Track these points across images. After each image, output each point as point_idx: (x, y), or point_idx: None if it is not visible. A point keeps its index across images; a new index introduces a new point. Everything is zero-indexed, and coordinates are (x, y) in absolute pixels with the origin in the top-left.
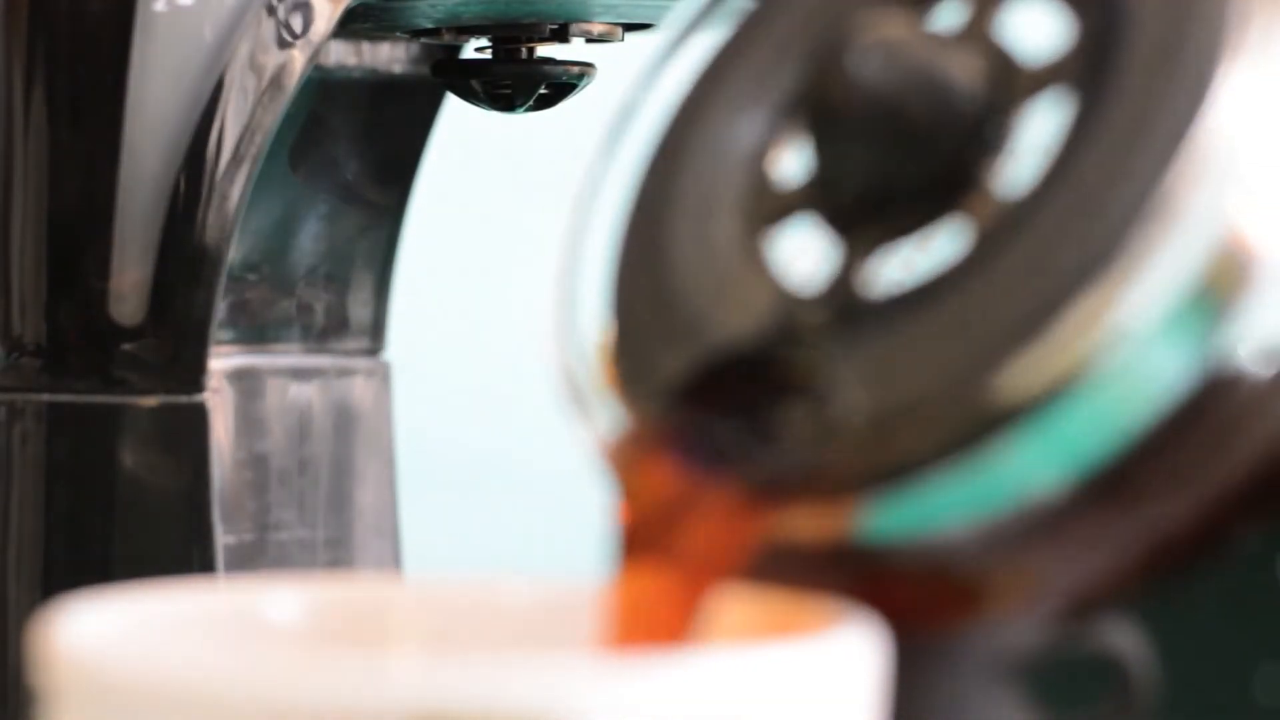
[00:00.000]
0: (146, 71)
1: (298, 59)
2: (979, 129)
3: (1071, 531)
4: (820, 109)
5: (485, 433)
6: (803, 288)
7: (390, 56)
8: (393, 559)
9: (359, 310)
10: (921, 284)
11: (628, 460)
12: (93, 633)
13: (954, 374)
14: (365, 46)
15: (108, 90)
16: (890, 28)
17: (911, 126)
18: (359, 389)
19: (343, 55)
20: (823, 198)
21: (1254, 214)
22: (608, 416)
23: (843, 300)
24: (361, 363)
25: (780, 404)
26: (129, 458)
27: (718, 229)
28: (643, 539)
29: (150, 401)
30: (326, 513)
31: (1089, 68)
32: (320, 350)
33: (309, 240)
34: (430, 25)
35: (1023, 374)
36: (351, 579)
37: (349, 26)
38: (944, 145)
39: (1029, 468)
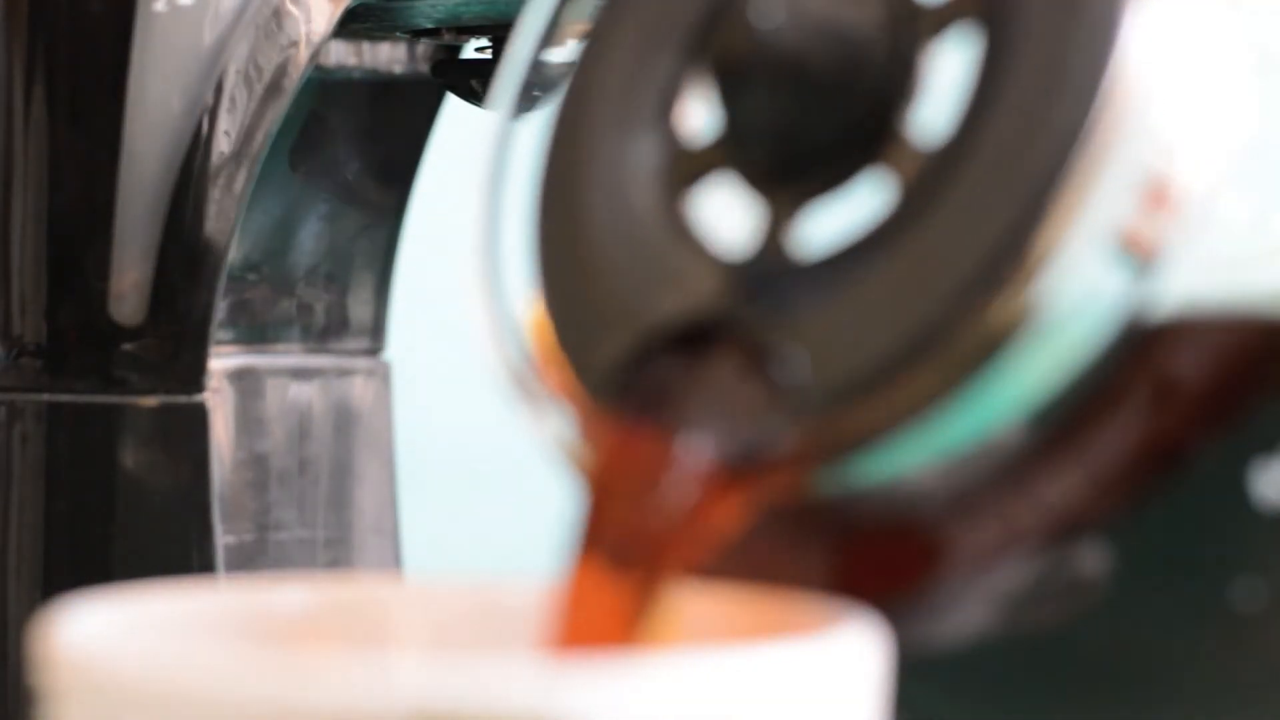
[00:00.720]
0: (146, 71)
1: (298, 59)
2: (887, 75)
3: (1034, 468)
4: (725, 66)
5: (485, 433)
6: (732, 253)
7: (390, 56)
8: (393, 559)
9: (359, 310)
10: (854, 242)
11: (589, 450)
12: (93, 633)
13: (905, 334)
14: (365, 46)
15: (108, 90)
16: None
17: (819, 78)
18: (359, 389)
19: (343, 55)
20: (738, 155)
21: (1174, 147)
22: (557, 410)
23: (776, 264)
24: (361, 363)
25: (731, 376)
26: (129, 458)
27: (635, 196)
28: (612, 524)
29: (150, 401)
30: (326, 513)
31: (991, 2)
32: (320, 350)
33: (309, 240)
34: (430, 25)
35: (972, 329)
36: (351, 579)
37: (349, 26)
38: (855, 95)
39: (987, 414)
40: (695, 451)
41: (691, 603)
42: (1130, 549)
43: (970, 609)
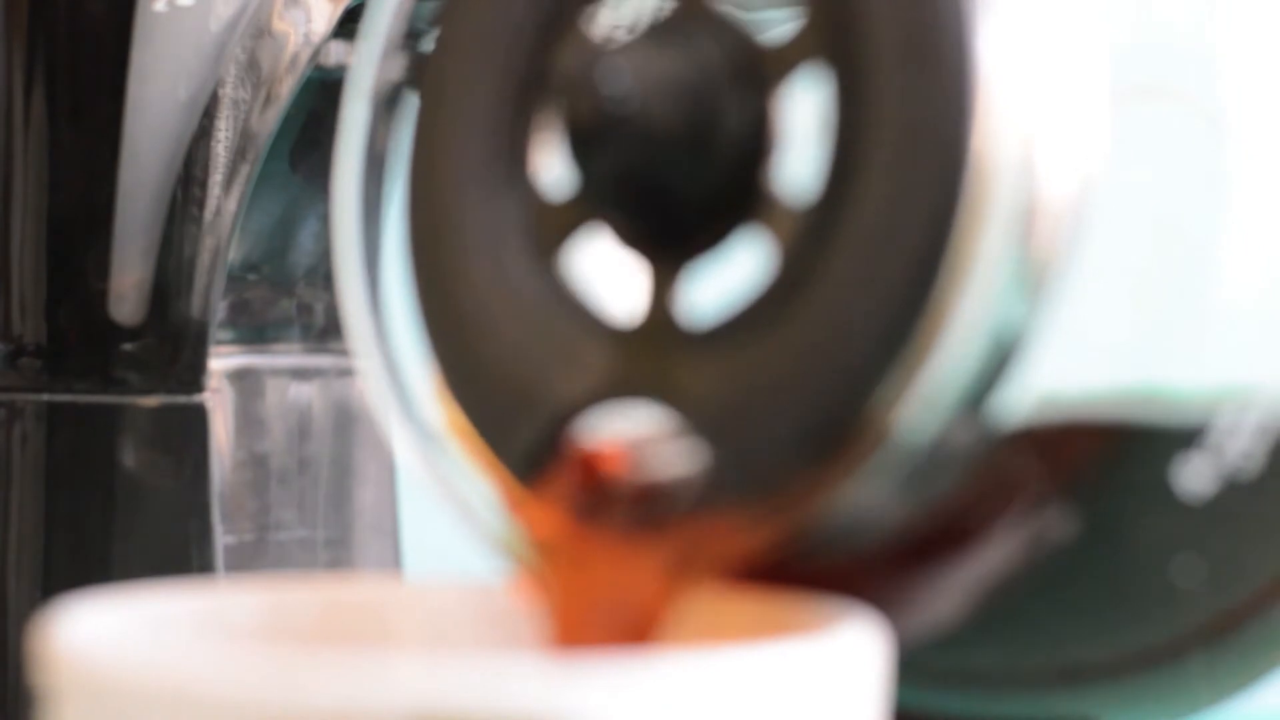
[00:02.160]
0: (146, 71)
1: (298, 59)
2: (743, 127)
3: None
4: (575, 132)
5: None
6: (618, 320)
7: None
8: (393, 559)
9: None
10: (742, 310)
11: (518, 529)
12: (93, 633)
13: (804, 424)
14: None
15: (108, 90)
16: (609, 35)
17: (672, 137)
18: (359, 389)
19: (343, 55)
20: (606, 215)
21: (1044, 168)
22: (483, 496)
23: (665, 335)
24: None
25: (645, 454)
26: (129, 458)
27: (509, 261)
28: (570, 609)
29: (150, 401)
30: (326, 513)
31: (834, 39)
32: (320, 350)
33: (309, 240)
34: (430, 25)
35: (880, 394)
36: (351, 579)
37: (349, 26)
38: (713, 151)
39: (908, 465)
40: (630, 534)
41: (692, 603)
42: (1079, 535)
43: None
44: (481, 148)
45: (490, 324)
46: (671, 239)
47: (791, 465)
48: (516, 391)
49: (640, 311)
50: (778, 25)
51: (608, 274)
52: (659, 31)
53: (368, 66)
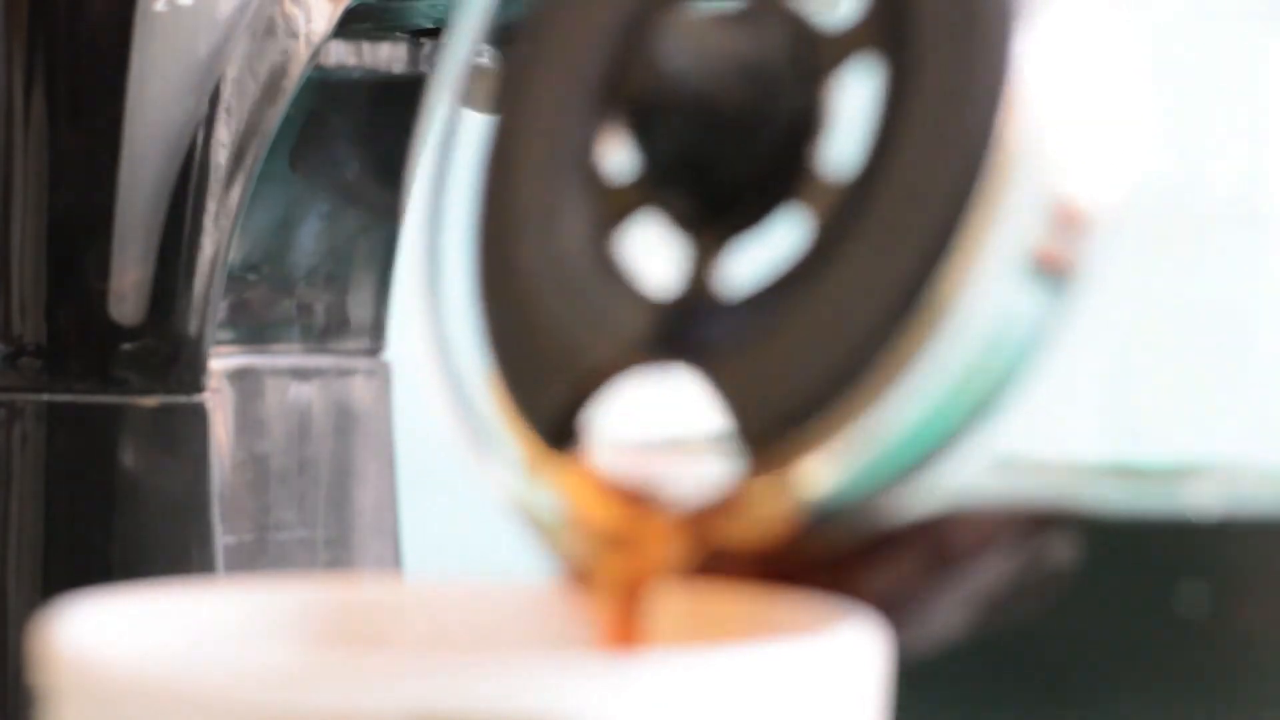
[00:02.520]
0: (146, 71)
1: (298, 59)
2: (794, 109)
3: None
4: (636, 106)
5: None
6: (659, 292)
7: (390, 56)
8: (393, 559)
9: (359, 310)
10: (774, 281)
11: (547, 495)
12: (93, 633)
13: (823, 373)
14: (365, 46)
15: (108, 90)
16: (688, 13)
17: (727, 114)
18: (359, 389)
19: (343, 55)
20: (659, 195)
21: (1079, 166)
22: (515, 460)
23: (701, 303)
24: (361, 363)
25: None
26: (129, 458)
27: (566, 240)
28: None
29: (150, 401)
30: (326, 513)
31: (889, 31)
32: (320, 350)
33: (309, 240)
34: (430, 25)
35: (888, 362)
36: (351, 579)
37: (349, 26)
38: (764, 130)
39: (920, 435)
40: (660, 501)
41: (691, 602)
42: (1084, 552)
43: (939, 614)
44: (553, 137)
45: (539, 292)
46: (717, 215)
47: (812, 417)
48: (553, 351)
49: (679, 284)
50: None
51: (652, 256)
52: (725, 17)
53: (455, 63)
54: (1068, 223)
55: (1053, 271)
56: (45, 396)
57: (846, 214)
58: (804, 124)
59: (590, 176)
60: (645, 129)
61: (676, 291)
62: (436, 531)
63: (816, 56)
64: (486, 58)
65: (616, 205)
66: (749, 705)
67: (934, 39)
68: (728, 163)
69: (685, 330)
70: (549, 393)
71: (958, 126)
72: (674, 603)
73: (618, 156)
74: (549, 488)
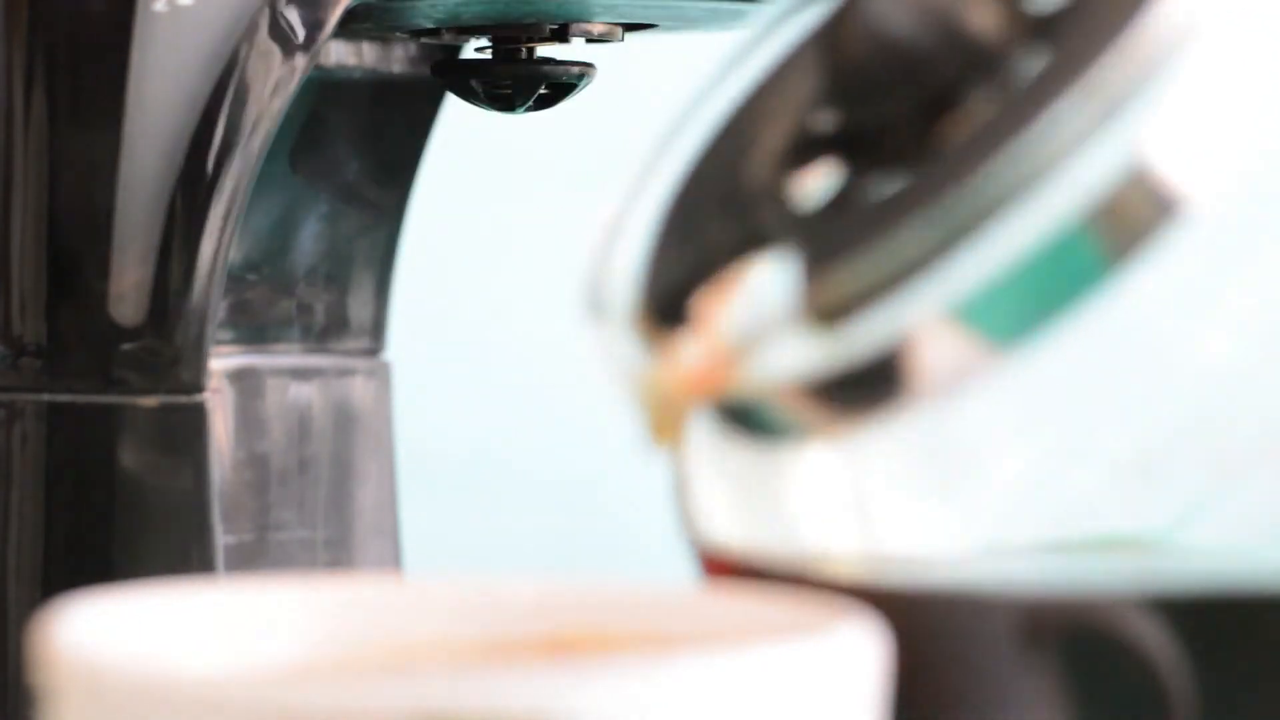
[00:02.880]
0: (146, 71)
1: (298, 59)
2: (975, 63)
3: None
4: (839, 59)
5: (485, 433)
6: (805, 206)
7: (390, 56)
8: (393, 559)
9: (359, 310)
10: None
11: (648, 363)
12: (93, 633)
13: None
14: (365, 46)
15: (108, 90)
16: None
17: (918, 64)
18: (359, 389)
19: (343, 55)
20: (843, 141)
21: (1172, 149)
22: (624, 333)
23: (834, 214)
24: (361, 363)
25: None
26: (129, 458)
27: (746, 164)
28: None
29: (150, 401)
30: (326, 513)
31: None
32: (320, 350)
33: (309, 240)
34: (430, 25)
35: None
36: (351, 579)
37: (349, 26)
38: (940, 75)
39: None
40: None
41: (693, 603)
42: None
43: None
44: (773, 91)
45: (696, 185)
46: (880, 155)
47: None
48: (691, 232)
49: (818, 202)
50: None
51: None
52: None
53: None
54: (1149, 189)
55: (1113, 230)
56: (45, 396)
57: (965, 143)
58: (977, 76)
59: (794, 120)
60: (846, 83)
61: (814, 206)
62: (436, 532)
63: (1014, 30)
64: None
65: (806, 148)
66: (749, 705)
67: (1099, 22)
68: (898, 103)
69: (807, 227)
70: (670, 269)
71: (1076, 80)
72: (675, 605)
73: (825, 115)
74: (646, 354)
